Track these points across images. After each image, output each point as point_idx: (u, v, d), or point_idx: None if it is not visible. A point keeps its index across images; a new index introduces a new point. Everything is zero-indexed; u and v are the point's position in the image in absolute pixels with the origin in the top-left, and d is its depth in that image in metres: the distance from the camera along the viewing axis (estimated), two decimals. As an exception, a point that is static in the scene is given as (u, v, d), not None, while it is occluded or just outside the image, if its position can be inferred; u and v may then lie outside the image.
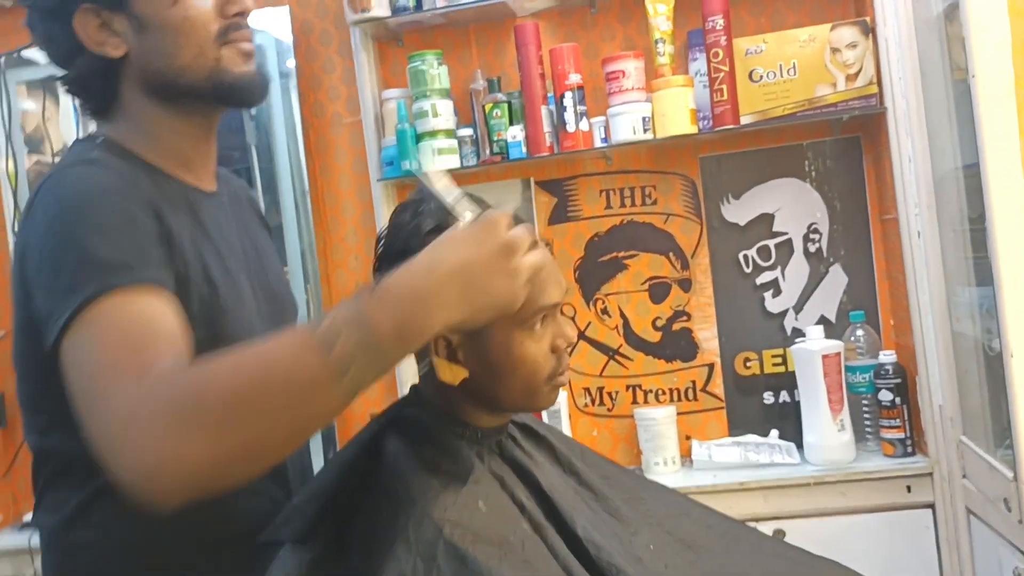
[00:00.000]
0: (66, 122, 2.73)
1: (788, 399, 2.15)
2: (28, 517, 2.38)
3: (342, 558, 0.98)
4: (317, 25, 2.31)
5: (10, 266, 2.43)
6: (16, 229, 2.42)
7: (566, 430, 2.17)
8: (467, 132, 2.13)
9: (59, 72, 1.05)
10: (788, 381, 2.13)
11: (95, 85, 1.02)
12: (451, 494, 0.97)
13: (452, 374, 0.99)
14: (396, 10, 2.11)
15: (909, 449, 1.94)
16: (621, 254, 2.23)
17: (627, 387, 2.24)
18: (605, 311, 2.24)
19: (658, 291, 2.22)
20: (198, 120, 1.05)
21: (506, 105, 2.12)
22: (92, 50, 0.99)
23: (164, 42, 0.98)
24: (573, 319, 2.24)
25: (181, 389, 0.76)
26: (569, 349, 1.06)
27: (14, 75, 2.46)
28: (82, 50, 0.99)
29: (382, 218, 2.17)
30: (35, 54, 2.47)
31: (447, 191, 0.93)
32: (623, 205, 2.22)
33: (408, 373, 2.14)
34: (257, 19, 2.30)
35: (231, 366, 0.78)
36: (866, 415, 2.03)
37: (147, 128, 1.03)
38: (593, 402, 2.25)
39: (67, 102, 2.73)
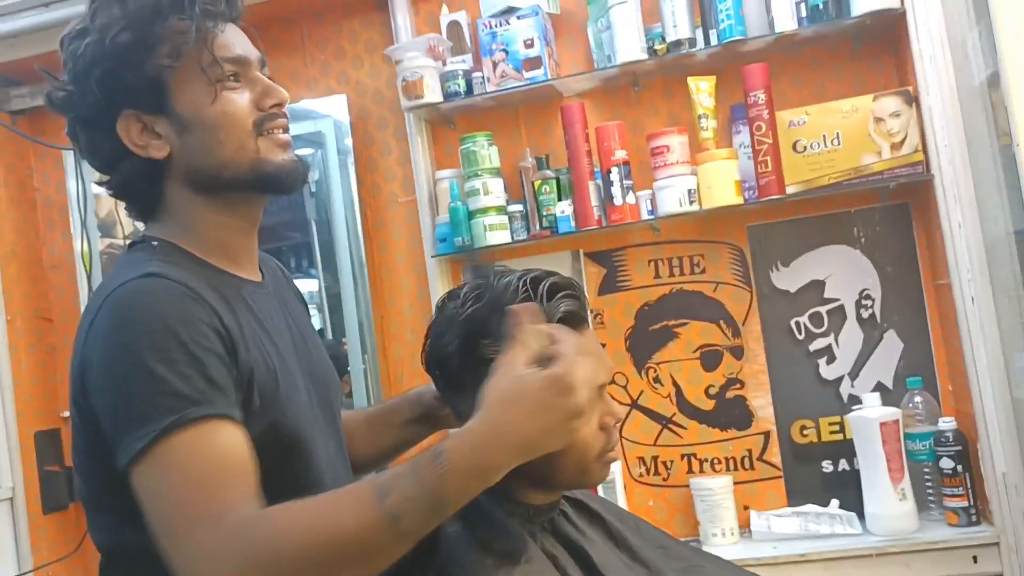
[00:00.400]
0: (138, 207, 2.88)
1: (847, 467, 2.12)
2: (98, 591, 2.44)
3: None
4: (374, 111, 2.42)
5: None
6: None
7: (621, 501, 2.17)
8: (517, 208, 2.20)
9: (103, 178, 1.08)
10: (847, 449, 2.11)
11: (140, 187, 1.05)
12: (504, 574, 0.99)
13: None
14: (448, 96, 2.21)
15: (973, 518, 1.90)
16: (671, 323, 2.25)
17: (682, 456, 2.23)
18: (657, 379, 2.25)
19: (710, 359, 2.22)
20: (243, 211, 1.08)
21: (554, 181, 2.18)
22: (136, 153, 1.02)
23: (206, 139, 1.01)
24: (625, 387, 2.26)
25: (259, 544, 0.83)
26: (617, 425, 1.09)
27: (89, 165, 2.61)
28: (126, 154, 1.02)
29: (437, 292, 2.23)
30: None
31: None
32: (672, 274, 2.25)
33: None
34: (318, 105, 2.44)
35: (303, 523, 0.84)
36: (928, 484, 1.99)
37: (194, 225, 1.05)
38: (648, 472, 2.25)
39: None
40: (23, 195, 2.58)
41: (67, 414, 2.55)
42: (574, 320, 1.05)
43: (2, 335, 2.43)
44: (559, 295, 1.04)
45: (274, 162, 1.04)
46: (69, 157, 2.58)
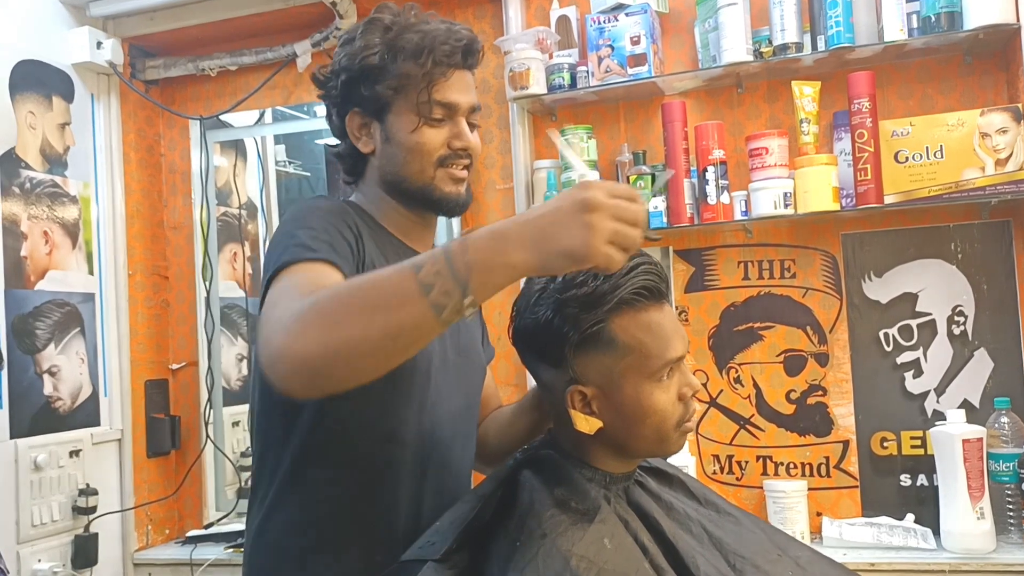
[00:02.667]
0: (251, 179, 3.05)
1: (926, 483, 2.10)
2: (191, 533, 2.61)
3: (476, 580, 1.08)
4: (479, 100, 2.50)
5: (197, 304, 2.70)
6: (205, 275, 2.72)
7: (694, 495, 2.20)
8: (612, 201, 2.25)
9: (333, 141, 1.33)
10: (927, 464, 2.09)
11: (349, 163, 1.31)
12: (579, 531, 1.06)
13: (588, 425, 1.09)
14: (552, 88, 2.28)
15: (1055, 544, 1.86)
16: (757, 325, 2.27)
17: (757, 458, 2.25)
18: (738, 380, 2.27)
19: (794, 364, 2.23)
20: (416, 213, 1.29)
21: (650, 177, 2.22)
22: (351, 140, 1.28)
23: (398, 155, 1.24)
24: (705, 385, 2.28)
25: (311, 301, 0.95)
26: (694, 396, 1.14)
27: (212, 135, 2.79)
28: (345, 136, 1.29)
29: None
30: (230, 117, 2.80)
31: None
32: (761, 277, 2.27)
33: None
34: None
35: (349, 283, 0.96)
36: (1009, 505, 1.96)
37: (379, 204, 1.28)
38: (722, 470, 2.27)
39: (253, 160, 3.06)
40: (151, 159, 2.77)
41: (176, 366, 2.74)
42: (652, 294, 1.10)
43: (123, 288, 2.62)
44: (639, 267, 1.09)
45: (443, 191, 1.25)
46: (195, 127, 2.75)
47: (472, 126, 1.26)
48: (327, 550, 1.20)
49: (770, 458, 2.24)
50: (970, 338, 2.11)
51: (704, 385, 2.28)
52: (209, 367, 2.71)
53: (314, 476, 1.19)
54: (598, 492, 1.12)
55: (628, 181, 2.23)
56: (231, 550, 2.45)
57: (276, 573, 1.22)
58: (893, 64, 2.16)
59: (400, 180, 1.25)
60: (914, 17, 2.03)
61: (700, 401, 2.28)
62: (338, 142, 1.32)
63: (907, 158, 2.03)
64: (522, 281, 1.13)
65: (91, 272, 2.56)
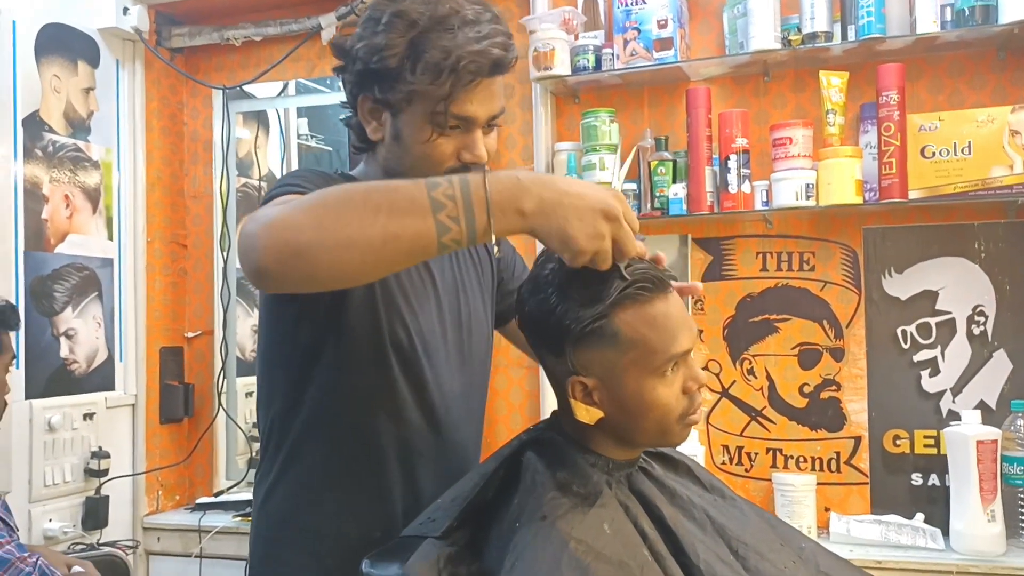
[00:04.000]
0: (273, 151, 3.06)
1: (938, 483, 2.08)
2: (201, 500, 2.64)
3: (475, 557, 1.08)
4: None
5: (214, 273, 2.71)
6: (223, 244, 2.73)
7: (701, 485, 2.19)
8: (631, 186, 2.23)
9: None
10: (939, 464, 2.07)
11: (358, 134, 1.25)
12: (579, 514, 1.05)
13: (588, 415, 1.08)
14: (576, 70, 2.25)
15: (1067, 551, 1.84)
16: (773, 316, 2.24)
17: (767, 450, 2.23)
18: (751, 371, 2.25)
19: (808, 357, 2.21)
20: None
21: (671, 163, 2.20)
22: (361, 121, 1.21)
23: (405, 158, 1.17)
24: (718, 375, 2.27)
25: (315, 192, 0.95)
26: (700, 389, 1.12)
27: (235, 105, 2.79)
28: (356, 112, 1.22)
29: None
30: (254, 87, 2.80)
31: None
32: (779, 268, 2.24)
33: (551, 399, 2.25)
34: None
35: (359, 184, 0.96)
36: (1021, 509, 1.93)
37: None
38: (731, 461, 2.26)
39: (275, 132, 3.06)
40: (173, 127, 2.77)
41: (191, 334, 2.75)
42: (656, 285, 1.05)
43: (142, 254, 2.63)
44: (637, 263, 1.06)
45: None
46: (218, 96, 2.75)
47: (492, 127, 1.18)
48: (328, 524, 1.20)
49: (780, 451, 2.22)
50: (989, 339, 2.08)
51: (717, 375, 2.27)
52: (224, 337, 2.73)
53: (316, 450, 1.20)
54: (600, 477, 1.11)
55: (649, 167, 2.21)
56: (239, 518, 2.48)
57: (279, 543, 1.23)
58: (924, 57, 2.12)
59: (402, 175, 1.18)
60: (948, 10, 1.99)
61: (712, 391, 2.26)
62: (350, 111, 1.26)
63: (934, 153, 2.00)
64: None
65: (110, 238, 2.57)
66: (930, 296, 2.13)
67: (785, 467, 2.21)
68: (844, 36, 2.07)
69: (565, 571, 0.98)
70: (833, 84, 2.06)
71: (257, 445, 2.72)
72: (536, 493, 1.08)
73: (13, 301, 2.19)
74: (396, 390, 1.20)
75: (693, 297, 1.01)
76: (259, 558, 1.26)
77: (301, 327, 1.18)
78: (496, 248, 1.04)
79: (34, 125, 2.34)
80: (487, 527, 1.10)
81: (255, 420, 2.80)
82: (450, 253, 1.29)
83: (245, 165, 2.92)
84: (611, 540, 1.04)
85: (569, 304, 1.05)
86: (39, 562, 1.66)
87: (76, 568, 1.82)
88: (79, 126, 2.48)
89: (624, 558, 1.03)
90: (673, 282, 1.08)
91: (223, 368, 2.73)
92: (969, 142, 1.97)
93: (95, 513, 2.41)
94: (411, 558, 1.07)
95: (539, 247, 1.07)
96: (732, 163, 2.12)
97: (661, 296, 1.07)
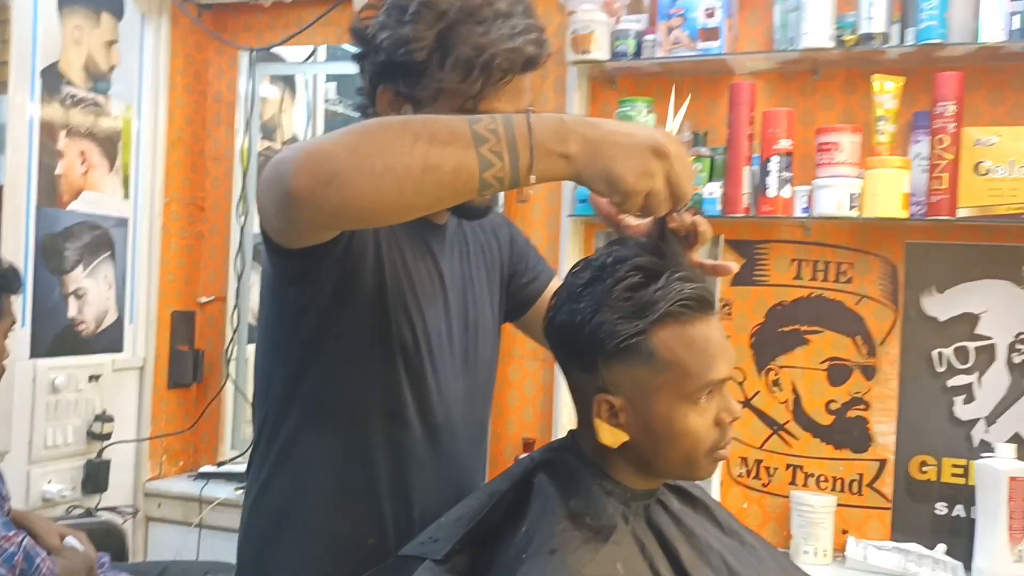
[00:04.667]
0: (298, 116, 2.98)
1: (963, 514, 2.00)
2: (204, 468, 2.60)
3: (475, 587, 1.02)
4: (538, 59, 2.39)
5: (231, 238, 2.65)
6: (241, 209, 2.66)
7: (715, 497, 2.12)
8: (665, 181, 2.14)
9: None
10: (966, 495, 1.98)
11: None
12: (590, 550, 0.98)
13: (613, 437, 1.00)
14: (615, 55, 2.15)
15: (1096, 599, 1.76)
16: (804, 328, 2.15)
17: (787, 466, 2.15)
18: (776, 383, 2.17)
19: (838, 373, 2.12)
20: None
21: (708, 160, 2.10)
22: (379, 114, 1.11)
23: None
24: (741, 384, 2.19)
25: (354, 125, 0.90)
26: (733, 422, 1.05)
27: (262, 68, 2.71)
28: (371, 105, 1.12)
29: (567, 252, 2.21)
30: (282, 50, 2.72)
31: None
32: (814, 278, 2.15)
33: (565, 412, 2.18)
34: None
35: (399, 116, 0.94)
36: (1050, 551, 1.85)
37: None
38: (749, 474, 2.18)
39: (302, 97, 2.98)
40: (197, 86, 2.70)
41: (204, 299, 2.70)
42: (700, 305, 1.00)
43: (158, 216, 2.57)
44: (682, 277, 0.99)
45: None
46: (244, 57, 2.67)
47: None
48: (322, 525, 1.14)
49: (800, 468, 2.14)
50: (1031, 369, 1.98)
51: (740, 384, 2.19)
52: (237, 303, 2.67)
53: (311, 447, 1.13)
54: (616, 509, 1.04)
55: (685, 162, 2.11)
56: (241, 491, 2.43)
57: (272, 542, 1.17)
58: (985, 66, 2.00)
59: None
60: (1016, 18, 1.87)
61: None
62: (365, 98, 1.15)
63: (988, 170, 1.89)
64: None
65: (126, 196, 2.51)
66: (970, 319, 2.03)
67: (805, 485, 2.13)
68: (902, 39, 1.96)
69: (572, 616, 0.91)
70: (887, 89, 1.95)
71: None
72: (546, 522, 1.01)
73: (23, 258, 2.14)
74: (398, 391, 1.12)
75: (724, 276, 0.96)
76: (250, 558, 1.20)
77: (303, 316, 1.10)
78: (528, 196, 1.00)
79: (53, 77, 2.27)
80: (491, 553, 1.04)
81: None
82: (458, 249, 1.23)
83: (269, 129, 2.84)
84: (623, 581, 0.97)
85: (605, 316, 0.98)
86: (24, 542, 1.61)
87: (69, 539, 1.78)
88: (99, 80, 2.41)
89: (637, 602, 0.96)
90: (707, 261, 1.05)
91: (234, 335, 2.67)
92: (1028, 161, 1.86)
93: (95, 477, 2.38)
94: (408, 583, 1.01)
95: (562, 249, 1.00)
96: (773, 165, 2.01)
97: (703, 318, 1.00)
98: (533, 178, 0.87)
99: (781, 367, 2.16)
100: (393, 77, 1.07)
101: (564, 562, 0.96)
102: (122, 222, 2.49)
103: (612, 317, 0.98)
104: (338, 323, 1.09)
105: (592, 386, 1.02)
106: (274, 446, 1.15)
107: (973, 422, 2.01)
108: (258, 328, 1.20)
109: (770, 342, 2.17)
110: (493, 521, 1.05)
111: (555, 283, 1.34)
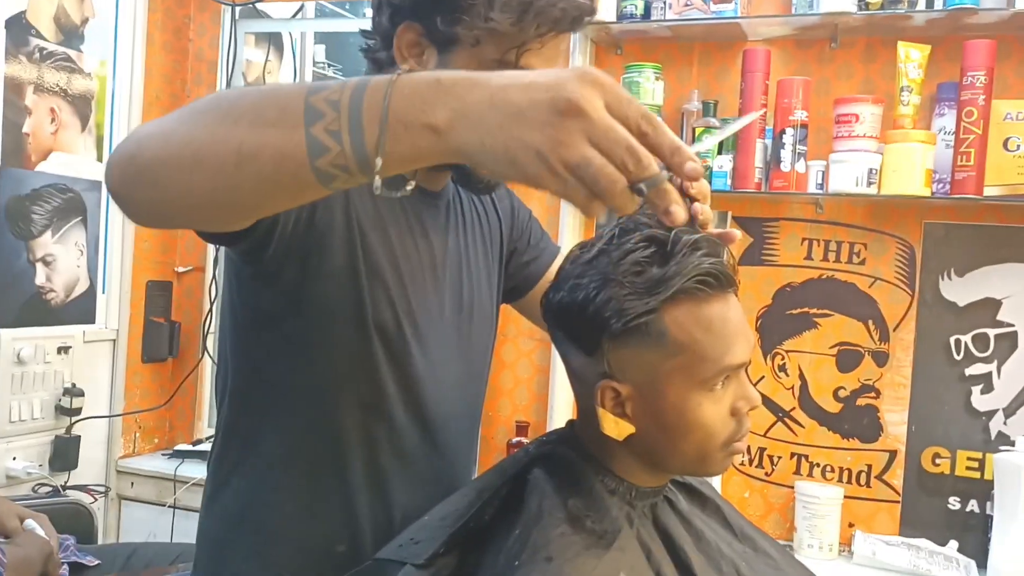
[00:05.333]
0: (285, 77, 2.83)
1: (977, 510, 1.90)
2: (180, 446, 2.49)
3: (461, 596, 0.91)
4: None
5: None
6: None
7: (715, 486, 2.02)
8: (672, 153, 2.01)
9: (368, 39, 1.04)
10: (981, 489, 1.88)
11: (378, 71, 1.02)
12: (591, 559, 0.87)
13: (618, 429, 0.89)
14: (622, 17, 2.02)
15: (1119, 604, 1.66)
16: (813, 311, 2.04)
17: (792, 455, 2.05)
18: (783, 368, 2.06)
19: (848, 359, 2.01)
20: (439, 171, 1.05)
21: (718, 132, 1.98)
22: (395, 57, 0.98)
23: None
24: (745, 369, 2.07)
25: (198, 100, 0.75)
26: (751, 412, 0.94)
27: (245, 25, 2.57)
28: (388, 47, 0.99)
29: (565, 226, 2.09)
30: (268, 7, 2.57)
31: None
32: (825, 259, 2.03)
33: (561, 395, 2.06)
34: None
35: (244, 88, 0.77)
36: (1071, 552, 1.75)
37: None
38: (751, 462, 2.08)
39: (288, 58, 2.83)
40: (177, 43, 2.55)
41: (182, 269, 2.57)
42: (719, 281, 0.88)
43: (133, 180, 2.43)
44: (701, 250, 0.88)
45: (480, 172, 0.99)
46: (227, 13, 2.53)
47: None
48: (287, 528, 1.02)
49: (806, 457, 2.04)
50: (1054, 358, 1.88)
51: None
52: (215, 274, 2.54)
53: (276, 439, 1.01)
54: (620, 510, 0.93)
55: (694, 133, 1.99)
56: (217, 471, 2.32)
57: (230, 545, 1.05)
58: (1017, 35, 1.88)
59: None
60: (1054, -18, 1.74)
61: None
62: (374, 39, 1.02)
63: (1018, 146, 1.77)
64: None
65: (100, 159, 2.37)
66: (992, 305, 1.91)
67: (810, 475, 2.03)
68: (930, 3, 1.84)
69: (572, 634, 0.80)
70: (912, 58, 1.82)
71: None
72: (542, 525, 0.90)
73: (-15, 220, 2.01)
74: (375, 378, 1.00)
75: (729, 244, 0.81)
76: (205, 561, 1.08)
77: (263, 293, 0.98)
78: (405, 189, 0.73)
79: (19, 28, 2.12)
80: (479, 556, 0.92)
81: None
82: (454, 221, 1.10)
83: (253, 91, 2.70)
84: (628, 593, 0.86)
85: (613, 292, 0.86)
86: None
87: (28, 522, 1.66)
88: (71, 33, 2.26)
89: (642, 617, 0.85)
90: (709, 227, 0.89)
91: (211, 308, 2.54)
92: (1061, 137, 1.74)
93: (64, 454, 2.25)
94: (385, 594, 0.90)
95: (562, 224, 0.87)
96: (788, 138, 1.89)
97: (721, 296, 0.88)
98: (379, 161, 0.65)
99: (788, 351, 2.05)
100: (427, 12, 0.94)
101: (561, 572, 0.85)
102: (95, 185, 2.35)
103: (620, 293, 0.86)
104: (304, 301, 0.97)
105: (595, 371, 0.90)
106: (234, 439, 1.03)
107: (991, 413, 1.91)
108: (220, 301, 1.07)
109: (777, 325, 2.06)
110: (482, 521, 0.94)
111: (559, 263, 1.21)
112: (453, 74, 0.66)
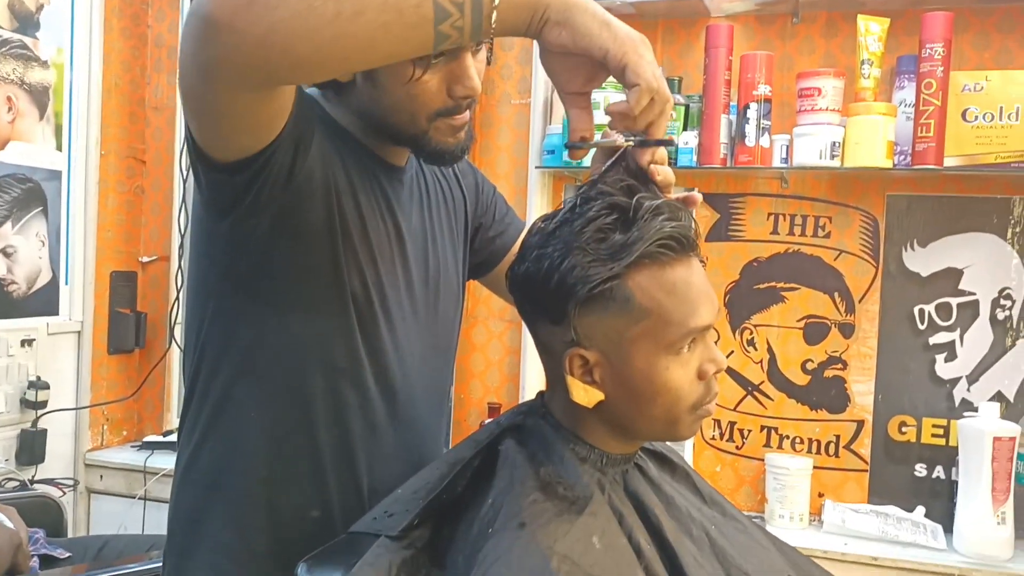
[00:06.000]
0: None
1: (943, 476, 1.93)
2: (149, 438, 2.46)
3: (435, 564, 0.91)
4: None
5: (174, 193, 2.46)
6: (185, 161, 2.49)
7: (688, 460, 2.04)
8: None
9: None
10: (946, 456, 1.92)
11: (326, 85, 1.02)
12: (564, 524, 0.87)
13: (587, 396, 0.89)
14: (585, -7, 2.01)
15: (1080, 561, 1.70)
16: (780, 285, 2.06)
17: (761, 428, 2.07)
18: (751, 343, 2.08)
19: (814, 331, 2.04)
20: (391, 144, 1.04)
21: (683, 108, 1.99)
22: None
23: (382, 100, 0.96)
24: (715, 344, 2.09)
25: None
26: (717, 374, 0.94)
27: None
28: None
29: (534, 205, 2.09)
30: None
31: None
32: (791, 233, 2.05)
33: (532, 376, 2.07)
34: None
35: None
36: (1034, 513, 1.80)
37: (349, 119, 1.02)
38: (722, 436, 2.10)
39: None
40: (136, 29, 2.51)
41: (147, 259, 2.54)
42: (682, 245, 0.89)
43: (94, 169, 2.39)
44: (662, 215, 0.88)
45: (440, 141, 1.00)
46: (185, -2, 2.49)
47: (480, 46, 0.97)
48: (259, 493, 1.01)
49: (775, 430, 2.06)
50: (1014, 325, 1.91)
51: (714, 344, 2.09)
52: (180, 264, 2.51)
53: (246, 405, 1.00)
54: (591, 476, 0.93)
55: (658, 110, 1.99)
56: (188, 462, 2.30)
57: (203, 512, 1.04)
58: (972, 8, 1.91)
59: (385, 126, 0.98)
60: (1009, -45, 1.77)
61: (707, 360, 2.09)
62: None
63: (976, 117, 1.80)
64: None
65: (59, 148, 2.33)
66: (954, 274, 1.95)
67: (780, 447, 2.05)
68: (888, -23, 1.85)
69: (544, 598, 0.80)
70: (872, 31, 1.85)
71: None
72: (514, 493, 0.90)
73: (-59, 212, 1.97)
74: (352, 346, 0.99)
75: (691, 207, 0.83)
76: (179, 529, 1.07)
77: (238, 252, 0.96)
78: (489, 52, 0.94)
79: (-28, 14, 2.07)
80: (452, 526, 0.93)
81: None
82: (419, 196, 1.10)
83: (215, 78, 2.66)
84: (601, 556, 0.87)
85: (576, 259, 0.86)
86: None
87: (-4, 515, 1.64)
88: (27, 20, 2.22)
89: (615, 580, 0.85)
90: (671, 193, 0.92)
91: (178, 297, 2.51)
92: (1017, 107, 1.77)
93: (30, 447, 2.22)
94: (357, 565, 0.89)
95: (529, 203, 0.89)
96: (752, 112, 1.91)
97: (684, 260, 0.89)
98: (492, 20, 0.79)
99: (756, 326, 2.07)
100: None
101: (534, 537, 0.85)
102: (55, 175, 2.31)
103: (583, 260, 0.87)
104: (279, 260, 0.96)
105: (563, 340, 0.90)
106: (206, 405, 1.02)
107: (955, 381, 1.94)
108: (189, 262, 1.06)
109: (745, 300, 2.08)
110: (455, 493, 0.94)
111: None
112: None
